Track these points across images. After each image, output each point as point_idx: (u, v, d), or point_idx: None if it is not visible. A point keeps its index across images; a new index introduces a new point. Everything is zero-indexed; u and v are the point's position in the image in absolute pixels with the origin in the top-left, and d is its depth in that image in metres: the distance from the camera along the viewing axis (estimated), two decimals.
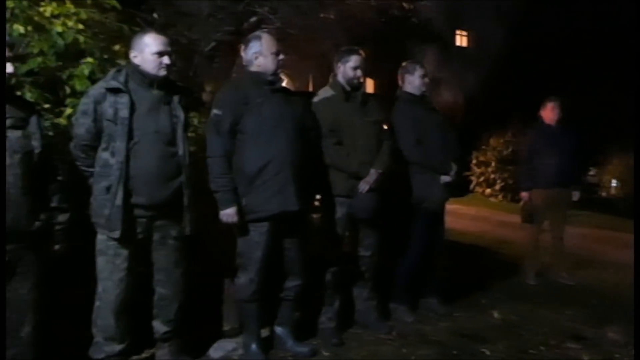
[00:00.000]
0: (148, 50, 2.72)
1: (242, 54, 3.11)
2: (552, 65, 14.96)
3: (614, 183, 11.54)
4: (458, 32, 17.29)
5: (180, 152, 2.76)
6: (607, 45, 14.83)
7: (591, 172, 12.64)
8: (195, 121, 3.59)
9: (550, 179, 4.87)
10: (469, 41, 17.40)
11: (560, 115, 4.99)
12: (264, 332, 3.23)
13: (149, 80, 2.72)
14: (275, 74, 3.07)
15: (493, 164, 11.67)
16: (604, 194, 11.78)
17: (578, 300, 4.39)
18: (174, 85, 2.89)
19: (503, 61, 14.22)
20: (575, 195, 5.05)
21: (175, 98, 2.81)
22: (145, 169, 2.64)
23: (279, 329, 3.21)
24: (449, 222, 7.09)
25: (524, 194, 5.07)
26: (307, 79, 10.07)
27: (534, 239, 5.10)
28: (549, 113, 5.02)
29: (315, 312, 3.43)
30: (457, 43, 17.45)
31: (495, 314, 3.92)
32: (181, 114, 2.80)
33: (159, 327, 2.85)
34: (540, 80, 12.88)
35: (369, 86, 14.93)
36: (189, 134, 3.38)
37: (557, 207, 5.02)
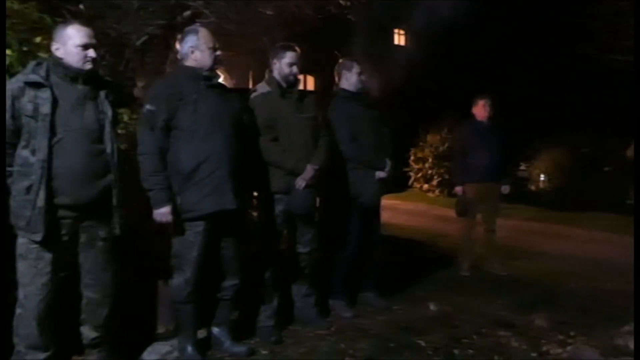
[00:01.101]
0: (71, 42, 2.59)
1: (177, 47, 3.03)
2: (485, 63, 15.52)
3: (542, 177, 12.13)
4: (396, 30, 17.61)
5: (108, 149, 2.65)
6: (537, 44, 15.55)
7: (521, 167, 13.24)
8: (126, 117, 3.46)
9: (482, 173, 5.07)
10: (406, 40, 17.76)
11: (491, 113, 5.18)
12: (201, 333, 3.17)
13: (73, 74, 2.59)
14: (211, 69, 3.01)
15: (430, 160, 12.00)
16: (533, 187, 12.36)
17: (509, 289, 4.57)
18: (100, 79, 2.77)
19: (439, 59, 14.63)
20: (505, 189, 5.26)
21: (102, 93, 2.69)
22: (70, 167, 2.51)
23: (216, 330, 3.15)
24: (388, 217, 7.26)
25: (458, 189, 5.24)
26: (247, 75, 9.95)
27: (467, 232, 5.28)
28: (481, 110, 5.20)
29: (254, 311, 3.39)
30: (396, 41, 17.79)
31: (431, 306, 4.01)
32: (109, 110, 2.68)
33: (88, 332, 2.72)
34: (474, 78, 13.35)
35: (310, 83, 14.97)
36: (120, 131, 3.27)
37: (489, 201, 5.22)
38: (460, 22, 14.81)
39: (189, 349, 2.95)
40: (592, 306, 4.15)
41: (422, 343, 3.28)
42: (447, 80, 14.01)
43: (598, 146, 12.16)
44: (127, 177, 2.84)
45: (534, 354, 3.18)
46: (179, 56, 3.05)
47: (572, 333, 3.50)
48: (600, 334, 3.47)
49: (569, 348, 3.21)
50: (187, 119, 2.84)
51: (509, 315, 3.88)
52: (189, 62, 2.98)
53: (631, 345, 3.17)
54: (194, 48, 2.95)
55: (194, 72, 2.95)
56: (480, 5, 14.74)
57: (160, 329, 3.18)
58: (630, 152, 10.72)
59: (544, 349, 3.26)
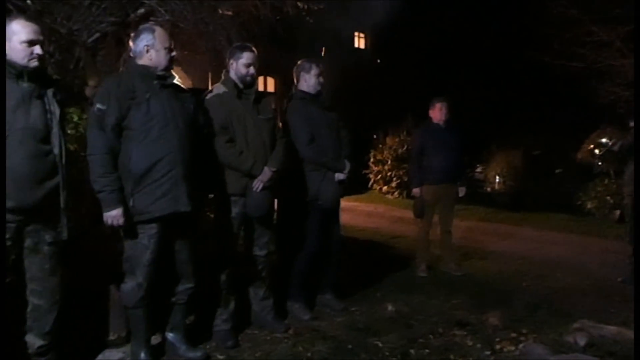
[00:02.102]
0: (16, 38, 2.49)
1: (131, 45, 2.95)
2: (442, 67, 15.85)
3: (497, 179, 12.43)
4: (356, 33, 17.75)
5: (56, 150, 2.55)
6: (493, 50, 15.98)
7: (478, 169, 13.54)
8: (76, 117, 3.34)
9: (438, 175, 5.15)
10: (366, 43, 17.92)
11: (447, 115, 5.27)
12: (155, 339, 3.11)
13: (17, 72, 2.48)
14: (166, 69, 2.94)
15: (389, 162, 12.09)
16: (488, 189, 12.64)
17: (464, 289, 4.66)
18: (47, 77, 2.66)
19: (398, 63, 14.85)
20: (462, 191, 5.36)
21: (50, 92, 2.59)
22: (13, 169, 2.40)
23: (170, 335, 3.09)
24: (348, 218, 7.30)
25: (415, 190, 5.31)
26: (206, 75, 9.81)
27: (424, 233, 5.35)
28: (437, 113, 5.28)
29: (210, 315, 3.34)
30: (356, 44, 17.92)
31: (389, 307, 4.04)
32: (56, 109, 2.58)
33: (34, 340, 2.61)
34: (432, 81, 13.60)
35: (270, 85, 14.90)
36: (69, 131, 3.16)
37: (446, 202, 5.31)
38: (419, 27, 15.09)
39: (142, 355, 2.88)
40: (543, 304, 4.27)
41: (379, 344, 3.30)
42: (406, 83, 14.21)
43: (549, 149, 12.58)
44: (76, 179, 2.75)
45: (487, 352, 3.25)
46: (132, 54, 2.97)
47: (524, 330, 3.59)
48: (550, 330, 3.57)
49: (521, 345, 3.28)
50: (139, 119, 2.77)
51: (464, 314, 3.95)
52: (143, 61, 2.91)
53: (580, 341, 3.29)
54: (150, 47, 2.89)
55: (147, 71, 2.88)
56: (438, 11, 15.08)
57: (112, 336, 3.09)
58: (580, 155, 11.16)
59: (498, 346, 3.33)
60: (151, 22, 3.24)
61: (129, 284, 2.85)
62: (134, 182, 2.77)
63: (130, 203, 2.77)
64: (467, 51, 16.37)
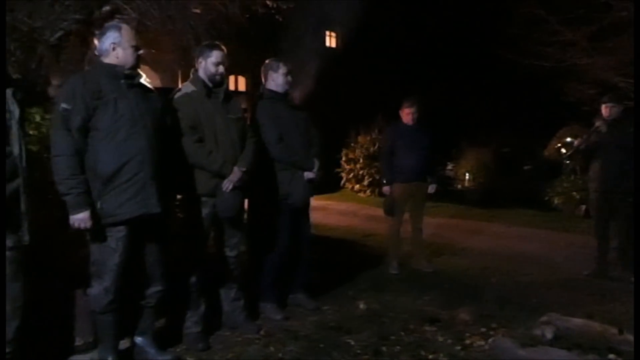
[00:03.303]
0: None
1: (96, 42, 2.89)
2: (414, 66, 15.98)
3: (467, 176, 12.61)
4: (328, 32, 17.74)
5: (16, 151, 2.47)
6: (462, 49, 16.20)
7: (448, 167, 13.71)
8: (38, 117, 3.25)
9: (408, 173, 5.22)
10: (337, 42, 17.93)
11: (417, 115, 5.32)
12: (124, 344, 3.05)
13: None
14: (133, 68, 2.89)
15: (361, 160, 12.15)
16: (459, 186, 12.82)
17: (435, 285, 4.71)
18: (7, 77, 2.58)
19: (369, 61, 14.90)
20: (432, 188, 5.42)
21: (9, 91, 2.50)
22: None
23: (139, 339, 3.03)
24: (320, 217, 7.30)
25: (386, 188, 5.36)
26: (175, 74, 9.67)
27: (395, 231, 5.39)
28: (405, 117, 5.35)
29: (180, 317, 3.29)
30: (327, 43, 17.92)
31: (361, 305, 4.06)
32: (16, 109, 2.50)
33: None
34: (403, 80, 13.70)
35: (241, 84, 14.78)
36: (31, 132, 3.08)
37: (416, 200, 5.37)
38: (389, 26, 15.19)
39: None
40: (512, 299, 4.35)
41: (351, 342, 3.31)
42: (377, 82, 14.29)
43: (518, 146, 12.81)
44: (38, 181, 2.67)
45: (458, 347, 3.29)
46: (97, 52, 2.91)
47: (493, 325, 3.65)
48: (519, 324, 3.64)
49: (490, 340, 3.34)
50: (107, 119, 2.72)
51: (434, 310, 3.99)
52: (109, 60, 2.85)
53: (548, 334, 3.35)
54: (116, 45, 2.83)
55: (114, 70, 2.82)
56: (408, 11, 15.21)
57: (78, 342, 3.01)
58: (547, 152, 11.40)
59: (468, 341, 3.38)
60: (117, 20, 3.17)
61: (96, 288, 2.79)
62: (101, 184, 2.71)
63: (98, 205, 2.71)
64: (437, 50, 16.55)
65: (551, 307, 3.96)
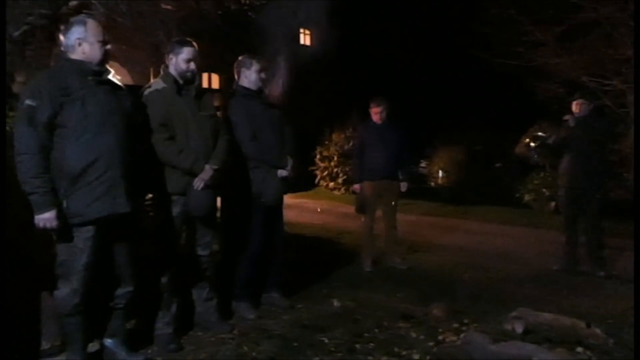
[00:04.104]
0: None
1: (62, 38, 2.81)
2: (388, 65, 16.09)
3: (440, 173, 12.76)
4: (302, 30, 17.71)
5: None
6: (435, 48, 16.36)
7: (422, 164, 13.85)
8: None
9: (377, 171, 5.26)
10: (312, 40, 17.92)
11: (384, 114, 5.36)
12: (93, 346, 2.98)
13: None
14: (101, 63, 2.82)
15: (335, 158, 12.19)
16: (432, 183, 12.96)
17: (409, 282, 4.74)
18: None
19: (343, 59, 14.93)
20: (404, 186, 5.46)
21: None
22: None
23: (109, 341, 2.97)
24: (294, 215, 7.29)
25: (356, 186, 5.44)
26: (147, 71, 9.52)
27: (368, 229, 5.42)
28: (374, 116, 5.38)
29: (151, 318, 3.23)
30: (301, 41, 17.88)
31: (335, 302, 4.06)
32: None
33: None
34: (377, 79, 13.78)
35: (215, 81, 14.64)
36: None
37: (388, 198, 5.40)
38: (364, 24, 15.25)
39: None
40: (484, 294, 4.41)
41: (325, 340, 3.30)
42: (351, 80, 14.33)
43: (489, 144, 13.02)
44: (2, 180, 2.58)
45: (431, 343, 3.31)
46: (63, 48, 2.83)
47: (466, 321, 3.69)
48: (491, 319, 3.68)
49: (462, 335, 3.36)
50: (74, 116, 2.65)
51: (408, 307, 4.01)
52: (76, 55, 2.78)
53: (518, 328, 3.40)
54: (82, 40, 2.76)
55: (81, 65, 2.75)
56: (382, 9, 15.29)
57: (45, 345, 2.93)
58: (518, 149, 11.61)
59: (441, 337, 3.40)
60: (83, 15, 3.09)
61: (63, 290, 2.72)
62: (68, 182, 2.65)
63: (65, 205, 2.65)
64: (411, 49, 16.68)
65: (522, 302, 4.02)
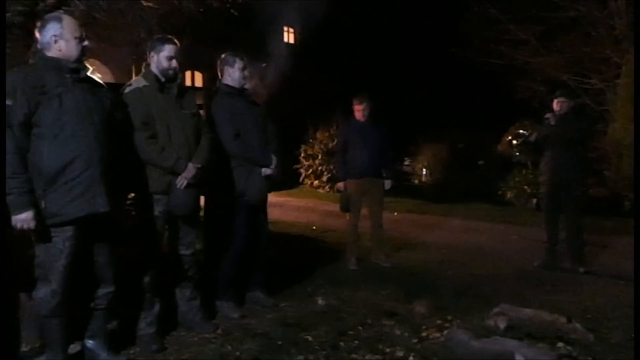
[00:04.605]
0: None
1: (37, 36, 2.76)
2: (372, 63, 16.13)
3: (424, 171, 12.84)
4: (286, 28, 17.67)
5: None
6: (419, 46, 16.45)
7: (406, 162, 13.91)
8: None
9: (361, 169, 5.28)
10: (296, 38, 17.89)
11: (366, 112, 5.37)
12: (74, 348, 2.95)
13: None
14: (78, 61, 2.77)
15: (320, 156, 12.19)
16: (416, 181, 13.03)
17: (393, 280, 4.76)
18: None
19: (327, 57, 14.92)
20: (387, 184, 5.47)
21: None
22: None
23: (90, 343, 2.93)
24: (279, 214, 7.28)
25: (340, 184, 5.46)
26: (128, 70, 9.42)
27: (353, 227, 5.43)
28: (356, 113, 5.40)
29: (134, 319, 3.20)
30: (285, 39, 17.84)
31: (319, 300, 4.06)
32: None
33: None
34: (361, 77, 13.81)
35: (198, 80, 14.54)
36: None
37: (373, 196, 5.41)
38: (348, 22, 15.26)
39: None
40: (467, 291, 4.45)
41: (309, 338, 3.30)
42: (335, 78, 14.33)
43: (472, 142, 13.13)
44: None
45: (415, 340, 3.33)
46: (39, 46, 2.78)
47: (449, 317, 3.72)
48: (473, 316, 3.71)
49: (446, 332, 3.39)
50: (51, 115, 2.61)
51: (392, 304, 4.03)
52: (52, 53, 2.73)
53: (500, 324, 3.44)
54: (57, 37, 2.71)
55: (58, 63, 2.70)
56: (366, 7, 15.33)
57: (25, 347, 2.88)
58: (500, 147, 11.73)
59: (424, 334, 3.43)
60: (60, 11, 3.04)
61: (42, 291, 2.68)
62: (45, 182, 2.61)
63: (42, 205, 2.60)
64: (394, 47, 16.74)
65: (504, 298, 4.06)
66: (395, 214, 8.46)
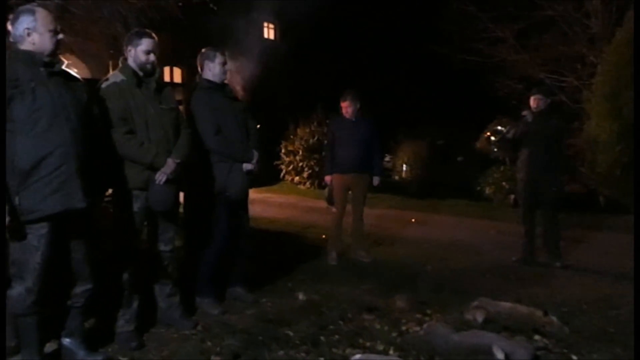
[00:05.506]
0: None
1: (10, 28, 2.69)
2: (351, 60, 16.15)
3: (404, 167, 12.90)
4: (266, 24, 17.58)
5: None
6: (398, 44, 16.52)
7: (386, 158, 13.96)
8: None
9: (345, 165, 5.33)
10: (275, 34, 17.82)
11: (352, 109, 5.40)
12: (51, 346, 2.90)
13: None
14: (53, 54, 2.72)
15: (300, 152, 12.17)
16: (396, 177, 13.09)
17: (373, 275, 4.79)
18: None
19: (308, 54, 14.90)
20: (375, 180, 5.53)
21: None
22: None
23: (67, 341, 2.88)
24: (259, 210, 7.25)
25: (327, 178, 5.51)
26: (105, 65, 9.27)
27: (336, 222, 5.46)
28: (343, 110, 5.43)
29: (112, 316, 3.17)
30: (265, 35, 17.75)
31: (300, 296, 4.06)
32: None
33: None
34: (341, 74, 13.81)
35: (177, 76, 14.39)
36: None
37: (356, 192, 5.44)
38: (328, 19, 15.25)
39: None
40: (446, 285, 4.50)
41: (290, 333, 3.30)
42: (316, 74, 14.33)
43: (452, 138, 13.24)
44: None
45: (394, 334, 3.35)
46: (11, 39, 2.72)
47: (428, 311, 3.75)
48: (452, 310, 3.75)
49: (425, 325, 3.42)
50: (24, 109, 2.55)
51: (372, 299, 4.05)
52: (25, 46, 2.67)
53: (479, 318, 3.49)
54: (30, 30, 2.66)
55: (31, 56, 2.65)
56: (346, 4, 15.33)
57: None
58: (479, 143, 11.85)
59: (404, 328, 3.45)
60: (34, 3, 2.98)
61: (16, 289, 2.62)
62: (19, 178, 2.55)
63: (16, 201, 2.55)
64: (374, 44, 16.80)
65: (482, 292, 4.11)
66: (376, 210, 8.50)
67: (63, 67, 2.78)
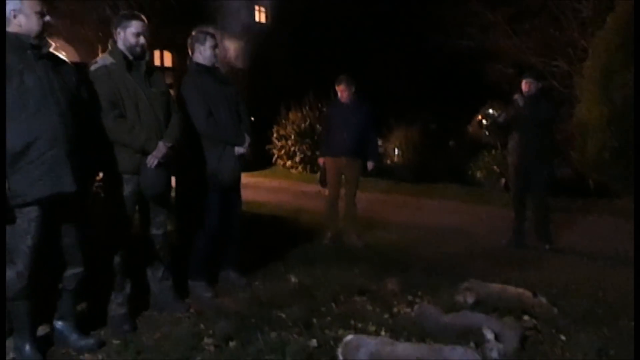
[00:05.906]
0: None
1: None
2: (343, 44, 16.06)
3: (396, 152, 12.91)
4: (257, 7, 17.41)
5: None
6: (390, 27, 16.44)
7: (379, 143, 13.93)
8: None
9: (339, 148, 5.36)
10: (267, 17, 17.65)
11: (347, 93, 5.40)
12: (42, 329, 2.90)
13: None
14: (40, 36, 2.68)
15: (292, 137, 12.14)
16: (388, 161, 13.09)
17: (364, 258, 4.80)
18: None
19: (299, 37, 14.80)
20: (370, 165, 5.57)
21: None
22: None
23: (59, 324, 2.90)
24: (251, 194, 7.24)
25: (321, 159, 5.61)
26: (94, 48, 9.16)
27: (330, 203, 5.53)
28: (342, 91, 5.43)
29: (104, 300, 3.17)
30: (257, 18, 17.59)
31: (292, 279, 4.08)
32: None
33: None
34: (332, 57, 13.73)
35: (167, 60, 14.25)
36: None
37: (348, 176, 5.46)
38: (319, 3, 15.12)
39: (27, 348, 2.68)
40: (437, 268, 4.53)
41: (283, 316, 3.32)
42: (308, 58, 14.24)
43: (444, 123, 13.25)
44: None
45: (386, 315, 3.39)
46: None
47: (419, 293, 3.79)
48: (443, 292, 3.79)
49: (416, 307, 3.46)
50: (12, 93, 2.52)
51: (364, 282, 4.07)
52: (12, 28, 2.63)
53: (469, 299, 3.53)
54: (17, 12, 2.62)
55: (18, 39, 2.61)
56: None
57: None
58: (471, 128, 11.87)
59: (395, 310, 3.49)
60: None
61: (8, 274, 2.61)
62: (8, 162, 2.53)
63: (6, 185, 2.53)
64: (366, 29, 16.70)
65: (473, 274, 4.13)
66: (368, 194, 8.53)
67: (51, 49, 2.74)
